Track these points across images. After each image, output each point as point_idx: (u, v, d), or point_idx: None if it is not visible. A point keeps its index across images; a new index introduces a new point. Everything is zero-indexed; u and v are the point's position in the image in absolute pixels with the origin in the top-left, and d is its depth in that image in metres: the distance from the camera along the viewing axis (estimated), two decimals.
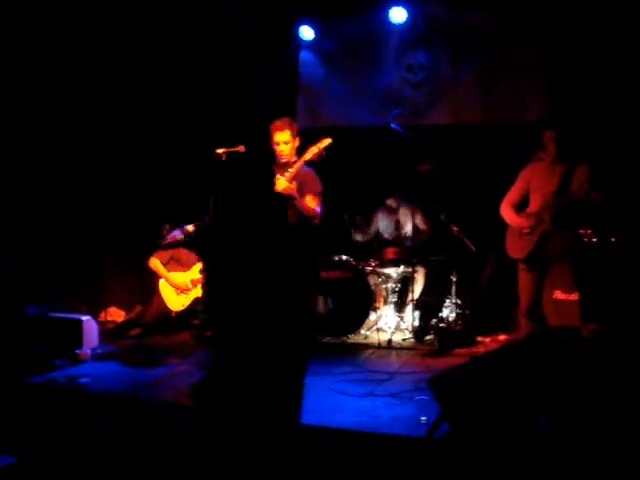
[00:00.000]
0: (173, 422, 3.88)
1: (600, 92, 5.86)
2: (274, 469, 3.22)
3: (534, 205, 4.99)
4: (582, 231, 4.98)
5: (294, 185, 4.58)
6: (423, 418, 3.75)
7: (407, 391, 4.44)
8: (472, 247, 6.32)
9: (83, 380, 4.67)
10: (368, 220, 7.16)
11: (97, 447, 3.56)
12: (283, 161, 4.79)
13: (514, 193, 5.15)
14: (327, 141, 4.59)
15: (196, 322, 6.40)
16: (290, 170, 4.68)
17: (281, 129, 4.74)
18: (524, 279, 5.02)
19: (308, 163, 4.64)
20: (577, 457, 2.72)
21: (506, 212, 5.12)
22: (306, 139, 4.90)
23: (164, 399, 4.41)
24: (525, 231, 4.92)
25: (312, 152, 4.59)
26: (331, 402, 4.27)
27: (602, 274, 4.87)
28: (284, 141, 4.75)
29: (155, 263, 6.36)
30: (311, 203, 4.71)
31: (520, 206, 5.11)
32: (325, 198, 4.81)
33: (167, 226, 6.63)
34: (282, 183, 4.57)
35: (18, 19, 6.31)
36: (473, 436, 3.14)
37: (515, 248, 5.01)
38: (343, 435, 3.66)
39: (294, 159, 4.82)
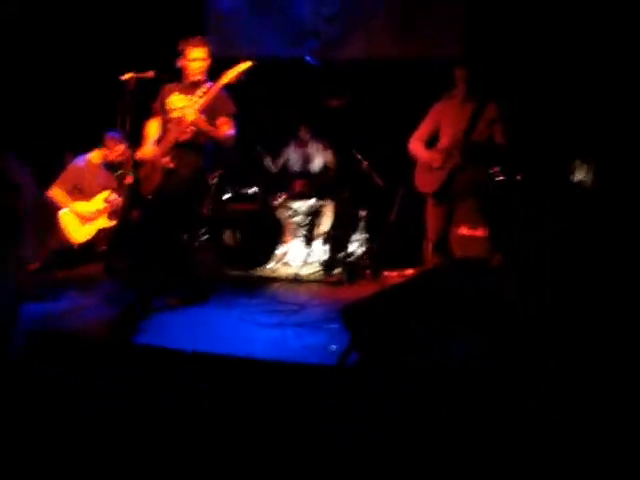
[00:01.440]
0: (84, 352, 3.79)
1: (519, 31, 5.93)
2: None
3: (444, 141, 5.02)
4: (490, 169, 5.08)
5: (203, 117, 4.43)
6: (333, 346, 3.80)
7: (317, 321, 4.48)
8: (380, 182, 6.37)
9: None
10: (278, 152, 7.08)
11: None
12: (195, 79, 4.57)
13: (424, 129, 5.16)
14: (247, 64, 4.42)
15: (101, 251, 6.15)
16: (200, 92, 4.50)
17: (197, 45, 4.52)
18: (432, 214, 5.10)
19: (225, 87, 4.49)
20: (490, 386, 2.82)
21: (415, 147, 5.13)
22: (217, 69, 4.72)
23: (74, 331, 4.29)
24: (435, 165, 4.96)
25: (230, 75, 4.41)
26: (241, 332, 4.27)
27: (507, 210, 5.00)
28: (201, 58, 4.53)
29: (56, 192, 6.06)
30: (224, 126, 4.54)
31: (430, 142, 5.16)
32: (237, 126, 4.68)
33: (71, 154, 6.34)
34: (190, 114, 4.40)
35: None
36: (380, 364, 3.21)
37: (424, 182, 5.06)
38: (254, 364, 3.66)
39: (204, 78, 4.62)
